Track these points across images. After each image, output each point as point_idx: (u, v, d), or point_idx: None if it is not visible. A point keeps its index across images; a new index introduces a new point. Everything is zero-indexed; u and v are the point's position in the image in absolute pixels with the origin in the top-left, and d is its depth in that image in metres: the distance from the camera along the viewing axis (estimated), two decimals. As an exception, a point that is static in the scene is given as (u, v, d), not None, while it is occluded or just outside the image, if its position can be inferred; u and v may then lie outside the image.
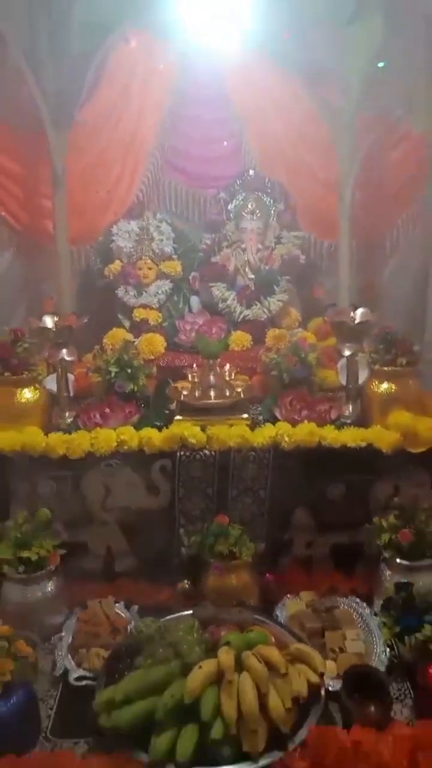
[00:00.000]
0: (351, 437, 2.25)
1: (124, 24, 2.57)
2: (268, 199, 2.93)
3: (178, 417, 2.34)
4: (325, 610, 2.26)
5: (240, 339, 2.79)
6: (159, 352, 2.73)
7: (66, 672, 2.05)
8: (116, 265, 2.86)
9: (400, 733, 1.74)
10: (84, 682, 2.00)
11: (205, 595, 2.25)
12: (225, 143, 2.93)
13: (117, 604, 2.30)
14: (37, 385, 2.37)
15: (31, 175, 2.86)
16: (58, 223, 2.75)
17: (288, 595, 2.34)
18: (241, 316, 2.85)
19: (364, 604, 2.30)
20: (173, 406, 2.45)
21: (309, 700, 1.80)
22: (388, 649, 2.08)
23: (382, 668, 1.99)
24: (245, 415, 2.36)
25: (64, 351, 2.44)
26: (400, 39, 2.65)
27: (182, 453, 2.27)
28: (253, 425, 2.32)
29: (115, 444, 2.24)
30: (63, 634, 2.20)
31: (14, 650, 1.80)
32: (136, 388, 2.45)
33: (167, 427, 2.28)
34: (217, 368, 2.46)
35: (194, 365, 2.56)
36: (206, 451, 2.27)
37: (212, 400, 2.36)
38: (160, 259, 2.89)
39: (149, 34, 2.69)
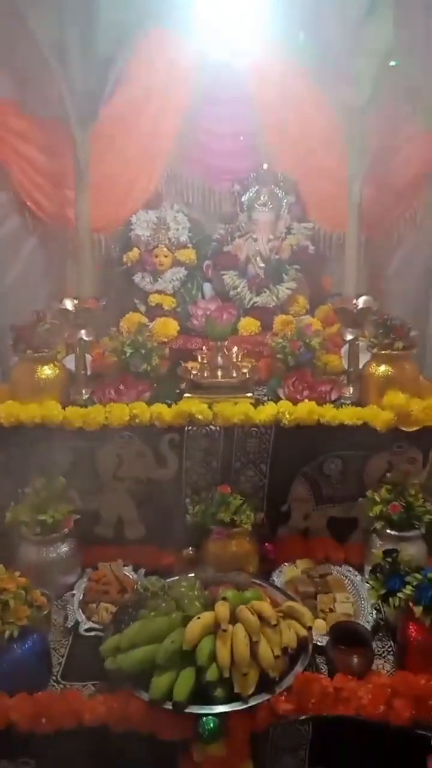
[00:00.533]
0: (348, 416, 2.40)
1: (148, 24, 2.71)
2: (280, 192, 3.06)
3: (187, 394, 2.50)
4: (318, 577, 2.43)
5: (249, 324, 2.93)
6: (172, 335, 2.89)
7: (77, 624, 2.24)
8: (134, 253, 3.02)
9: (378, 681, 1.90)
10: (93, 633, 2.20)
11: (207, 561, 2.42)
12: (241, 138, 3.06)
13: (125, 567, 2.49)
14: (56, 363, 2.54)
15: (56, 166, 3.01)
16: (81, 212, 2.89)
17: (285, 563, 2.51)
18: (251, 303, 2.99)
19: (356, 572, 2.47)
20: (183, 385, 2.62)
21: (297, 652, 1.97)
22: (375, 612, 2.25)
23: (369, 628, 2.16)
24: (249, 394, 2.51)
25: (83, 332, 2.61)
26: (411, 38, 2.75)
27: (190, 428, 2.43)
28: (257, 403, 2.48)
29: (128, 418, 2.41)
30: (75, 591, 2.39)
31: (30, 599, 1.98)
32: (149, 368, 2.61)
33: (177, 404, 2.45)
34: (225, 350, 2.62)
35: (203, 348, 2.71)
36: (212, 427, 2.43)
37: (219, 380, 2.52)
38: (175, 247, 3.04)
39: (171, 34, 2.83)
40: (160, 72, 2.91)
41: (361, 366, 2.60)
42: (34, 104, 2.94)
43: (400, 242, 3.17)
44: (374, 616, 2.23)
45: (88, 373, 2.68)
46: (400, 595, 2.01)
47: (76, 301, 2.64)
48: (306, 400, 2.45)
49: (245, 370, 2.56)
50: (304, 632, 2.00)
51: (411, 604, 1.97)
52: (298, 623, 2.02)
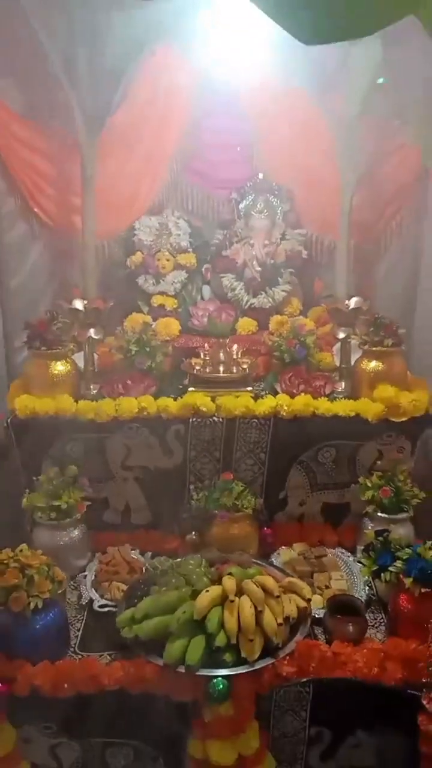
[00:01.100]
0: (341, 408, 2.58)
1: (153, 42, 2.88)
2: (276, 200, 3.22)
3: (191, 388, 2.67)
4: (314, 558, 2.61)
5: (247, 324, 3.11)
6: (174, 334, 3.05)
7: (91, 602, 2.39)
8: (138, 257, 3.19)
9: (372, 646, 2.08)
10: (106, 609, 2.35)
11: (210, 545, 2.58)
12: (238, 149, 3.23)
13: (132, 551, 2.65)
14: (68, 359, 2.70)
15: (63, 174, 3.18)
16: (87, 218, 3.06)
17: (282, 546, 2.68)
18: (248, 304, 3.16)
19: (348, 554, 2.65)
20: (186, 381, 2.78)
21: (297, 622, 2.14)
22: (367, 588, 2.42)
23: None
24: (249, 388, 2.69)
25: (92, 330, 2.78)
26: (399, 56, 2.94)
27: (194, 419, 2.59)
28: (256, 397, 2.65)
29: (137, 410, 2.58)
30: (86, 573, 2.54)
31: (52, 575, 2.14)
32: (153, 365, 2.77)
33: (182, 398, 2.62)
34: (227, 347, 2.80)
35: (206, 345, 2.88)
36: (215, 418, 2.60)
37: (221, 374, 2.70)
38: (177, 252, 3.20)
39: (174, 51, 3.00)
40: (164, 87, 3.07)
41: (352, 363, 2.79)
42: (43, 115, 3.10)
43: (387, 248, 3.34)
44: (366, 591, 2.41)
45: (96, 369, 2.84)
46: (391, 569, 2.19)
47: (85, 302, 2.80)
48: (302, 394, 2.64)
49: (245, 366, 2.74)
50: (303, 604, 2.17)
51: (401, 576, 2.15)
52: (298, 596, 2.20)
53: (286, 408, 2.56)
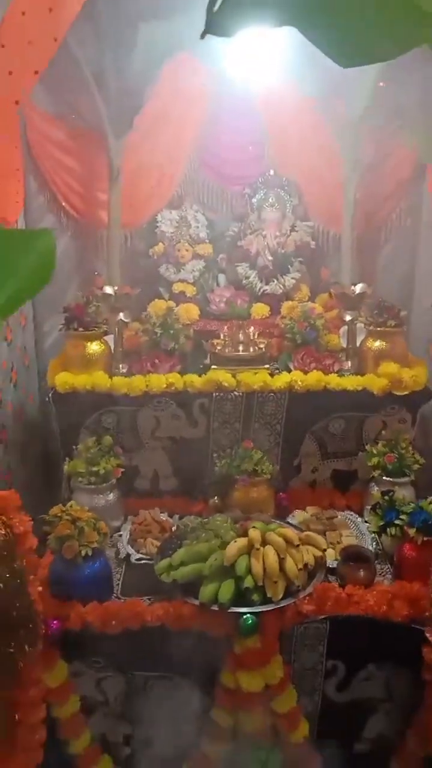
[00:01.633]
0: (350, 383, 2.86)
1: (175, 50, 3.13)
2: (285, 194, 3.47)
3: (213, 366, 2.94)
4: (326, 519, 2.89)
5: (260, 309, 3.37)
6: (194, 318, 3.30)
7: (128, 556, 2.66)
8: (159, 247, 3.45)
9: (381, 588, 2.36)
10: (143, 562, 2.62)
11: (232, 507, 2.86)
12: (251, 148, 3.49)
13: (162, 514, 2.93)
14: (102, 340, 2.96)
15: (90, 171, 3.44)
16: (113, 211, 3.33)
17: (296, 509, 2.96)
18: (261, 291, 3.42)
19: (356, 515, 2.92)
20: (206, 360, 3.05)
21: (315, 569, 2.42)
22: (374, 543, 2.71)
23: (370, 553, 2.63)
24: (266, 366, 2.96)
25: (122, 314, 3.04)
26: (397, 63, 3.20)
27: (217, 394, 2.86)
28: (272, 374, 2.93)
29: (165, 386, 2.84)
30: (121, 533, 2.81)
31: (98, 528, 2.41)
32: (176, 346, 3.03)
33: (206, 374, 2.89)
34: (245, 329, 3.07)
35: (225, 328, 3.15)
36: (235, 393, 2.86)
37: (240, 353, 2.97)
38: (195, 242, 3.45)
39: (194, 59, 3.25)
40: (184, 90, 3.32)
41: (358, 343, 3.06)
42: (72, 116, 3.36)
43: (387, 239, 3.63)
44: (373, 546, 2.70)
45: (123, 350, 3.10)
46: (397, 522, 2.48)
47: (115, 288, 3.07)
48: (314, 371, 2.92)
49: (262, 346, 3.02)
50: (319, 553, 2.45)
51: (405, 528, 2.44)
52: (314, 547, 2.48)
53: (299, 383, 2.84)
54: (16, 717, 2.16)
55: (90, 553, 2.32)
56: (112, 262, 3.40)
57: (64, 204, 3.49)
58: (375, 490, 2.82)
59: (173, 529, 2.76)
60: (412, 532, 2.39)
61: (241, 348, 2.99)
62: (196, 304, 3.38)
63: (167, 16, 2.92)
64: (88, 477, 2.77)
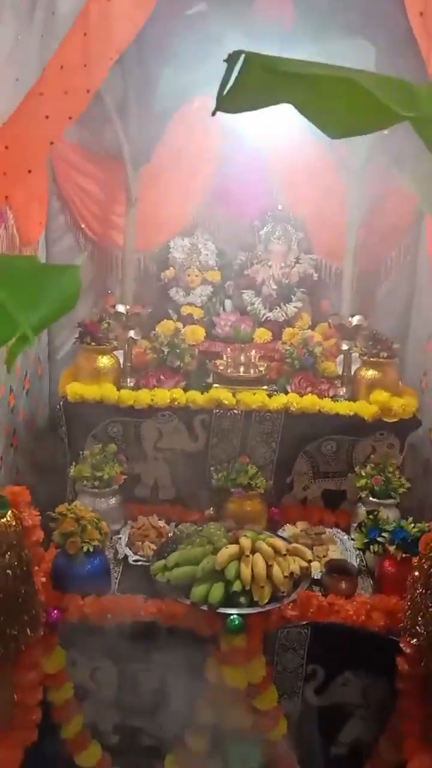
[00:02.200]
0: (342, 408, 3.04)
1: (192, 92, 3.37)
2: (292, 228, 3.67)
3: (215, 385, 3.13)
4: (314, 534, 3.05)
5: (262, 334, 3.56)
6: (200, 339, 3.48)
7: (126, 557, 2.83)
8: (171, 272, 3.67)
9: (361, 599, 2.53)
10: (140, 563, 2.79)
11: (226, 518, 3.03)
12: (260, 185, 3.72)
13: (159, 521, 3.10)
14: (112, 355, 3.16)
15: (109, 197, 3.67)
16: (128, 236, 3.56)
17: (287, 524, 3.13)
18: (264, 317, 3.61)
19: (343, 533, 3.09)
20: (209, 378, 3.23)
21: (300, 578, 2.58)
22: (358, 559, 2.88)
23: (353, 568, 2.80)
24: (265, 387, 3.15)
25: (132, 332, 3.25)
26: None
27: (217, 411, 3.04)
28: (270, 395, 3.11)
29: (169, 400, 3.03)
30: (120, 536, 2.98)
31: (100, 527, 2.59)
32: (182, 364, 3.22)
33: (208, 392, 3.08)
34: (246, 352, 3.27)
35: (228, 350, 3.34)
36: (235, 411, 3.04)
37: (241, 374, 3.15)
38: (204, 269, 3.66)
39: (210, 101, 3.49)
40: (199, 129, 3.54)
41: (352, 371, 3.26)
42: (96, 146, 3.61)
43: (386, 275, 3.84)
44: (357, 562, 2.86)
45: (132, 366, 3.30)
46: (379, 539, 2.65)
47: (128, 307, 3.28)
48: (309, 394, 3.11)
49: (261, 369, 3.21)
50: (305, 564, 2.61)
51: (387, 545, 2.61)
52: (301, 558, 2.65)
53: (295, 405, 3.03)
54: (15, 697, 2.32)
55: (91, 550, 2.49)
56: (125, 283, 3.62)
57: (83, 226, 3.72)
58: (362, 510, 2.99)
59: (170, 534, 2.93)
60: (392, 549, 2.56)
61: (242, 369, 3.18)
62: (203, 327, 3.58)
63: (187, 64, 3.14)
64: (92, 481, 2.95)
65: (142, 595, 2.57)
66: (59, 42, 2.39)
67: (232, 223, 3.82)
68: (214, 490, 3.09)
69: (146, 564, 2.71)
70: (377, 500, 2.97)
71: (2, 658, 2.18)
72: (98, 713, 2.60)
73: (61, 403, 3.05)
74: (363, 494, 3.01)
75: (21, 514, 2.25)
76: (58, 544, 2.51)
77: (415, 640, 2.21)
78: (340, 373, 3.31)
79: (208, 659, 2.46)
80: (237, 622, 2.37)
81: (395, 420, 3.06)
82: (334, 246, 3.67)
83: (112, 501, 3.02)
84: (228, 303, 3.76)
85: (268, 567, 2.49)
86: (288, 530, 3.08)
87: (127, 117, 3.42)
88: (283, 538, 2.89)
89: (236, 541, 2.60)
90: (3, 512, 2.16)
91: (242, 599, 2.43)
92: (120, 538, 2.96)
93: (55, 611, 2.41)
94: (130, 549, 2.87)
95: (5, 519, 2.15)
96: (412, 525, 2.59)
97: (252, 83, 1.16)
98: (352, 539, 2.99)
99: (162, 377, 3.17)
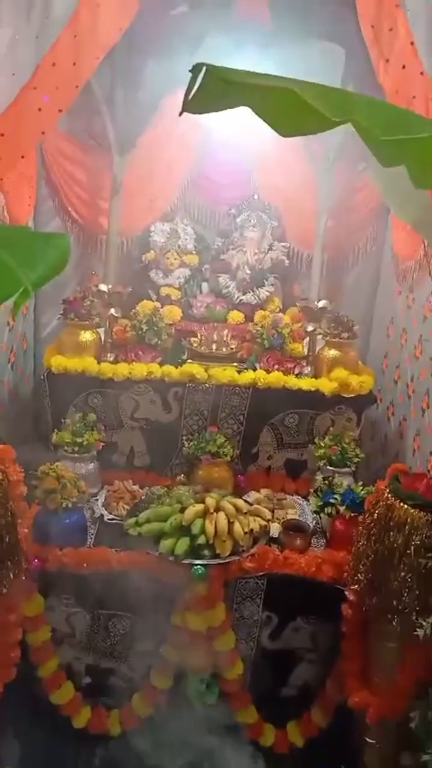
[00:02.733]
0: (305, 383, 3.30)
1: (176, 84, 3.57)
2: (266, 217, 3.90)
3: (189, 360, 3.38)
4: (276, 500, 3.32)
5: (236, 316, 3.80)
6: (177, 319, 3.72)
7: (101, 516, 3.08)
8: (151, 254, 3.90)
9: (312, 554, 2.81)
10: (114, 521, 3.04)
11: (195, 484, 3.28)
12: (237, 174, 3.96)
13: (134, 486, 3.35)
14: (94, 330, 3.39)
15: (95, 183, 3.89)
16: (112, 220, 3.80)
17: (252, 491, 3.39)
18: (238, 300, 3.84)
19: (303, 499, 3.36)
20: (184, 355, 3.48)
21: (258, 535, 2.85)
22: (314, 522, 3.15)
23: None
24: (235, 364, 3.40)
25: (113, 309, 3.48)
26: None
27: (190, 384, 3.28)
28: (240, 371, 3.37)
29: (146, 374, 3.27)
30: (98, 498, 3.24)
31: (79, 486, 2.84)
32: (159, 341, 3.46)
33: (182, 367, 3.32)
34: (219, 331, 3.52)
35: (202, 329, 3.59)
36: (206, 385, 3.28)
37: (213, 351, 3.41)
38: (183, 253, 3.88)
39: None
40: (181, 121, 3.73)
41: (316, 351, 3.51)
42: (83, 134, 3.82)
43: (354, 263, 4.09)
44: (313, 524, 3.13)
45: (112, 341, 3.54)
46: (331, 500, 2.93)
47: (110, 286, 3.51)
48: (276, 372, 3.36)
49: (233, 347, 3.46)
50: (264, 523, 2.88)
51: (338, 506, 2.88)
52: (260, 518, 2.92)
53: (262, 380, 3.28)
54: (-4, 637, 2.57)
55: (70, 506, 2.75)
56: (108, 264, 3.86)
57: (69, 209, 3.94)
58: (320, 478, 3.25)
59: (143, 495, 3.18)
60: (342, 508, 2.84)
61: (214, 347, 3.43)
62: (180, 307, 3.81)
63: (171, 56, 3.38)
64: (72, 447, 3.19)
65: (116, 549, 2.82)
66: (52, 42, 2.61)
67: (210, 210, 4.08)
68: (185, 458, 3.34)
69: (120, 522, 2.96)
70: (334, 469, 3.23)
71: (-14, 599, 2.43)
72: (72, 655, 2.86)
73: (46, 374, 3.29)
74: (321, 463, 3.27)
75: (6, 470, 2.50)
76: (40, 500, 2.76)
77: (356, 586, 2.48)
78: (306, 353, 3.57)
79: (174, 606, 2.72)
80: (200, 571, 2.63)
81: (353, 395, 3.32)
82: (306, 234, 3.93)
83: (90, 466, 3.26)
84: (204, 285, 4.00)
85: (230, 524, 2.75)
86: (252, 496, 3.34)
87: (113, 106, 3.65)
88: (248, 502, 3.16)
89: (202, 501, 2.86)
90: (-11, 467, 2.40)
91: (206, 552, 2.69)
92: (97, 499, 3.21)
93: (36, 560, 2.67)
94: (105, 509, 3.12)
95: (-9, 473, 2.40)
96: (362, 488, 2.87)
97: (213, 90, 1.40)
98: (310, 504, 3.26)
99: (140, 353, 3.41)
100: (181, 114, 1.39)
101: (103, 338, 3.46)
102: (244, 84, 1.45)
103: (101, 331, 3.49)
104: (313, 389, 3.30)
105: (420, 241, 3.13)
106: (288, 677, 2.92)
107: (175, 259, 3.89)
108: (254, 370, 3.41)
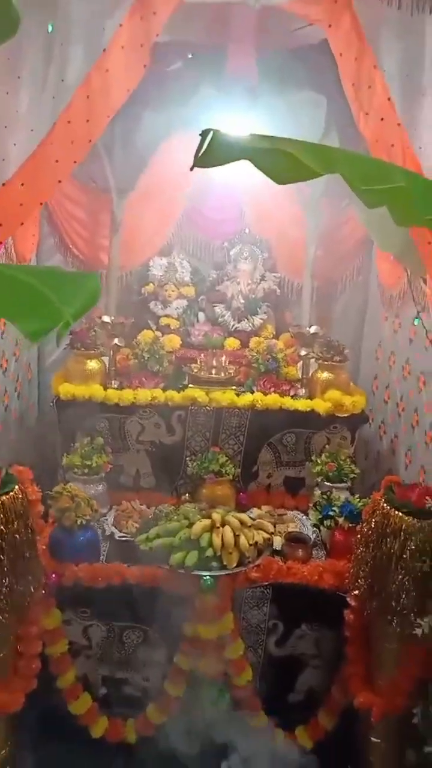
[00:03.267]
0: (301, 404, 3.50)
1: (172, 129, 3.82)
2: (257, 249, 4.16)
3: (190, 385, 3.57)
4: (277, 516, 3.50)
5: (232, 343, 4.01)
6: (176, 347, 3.92)
7: (112, 534, 3.23)
8: (150, 287, 4.12)
9: (314, 564, 2.97)
10: (124, 539, 3.20)
11: (200, 502, 3.44)
12: (230, 211, 4.21)
13: (141, 505, 3.51)
14: (99, 359, 3.59)
15: (95, 221, 4.11)
16: (112, 255, 4.02)
17: (253, 507, 3.56)
18: (234, 328, 4.06)
19: (302, 515, 3.53)
20: (185, 381, 3.67)
21: (263, 547, 3.01)
22: (313, 535, 3.32)
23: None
24: (234, 387, 3.59)
25: (116, 339, 3.68)
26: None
27: (192, 407, 3.47)
28: (239, 394, 3.56)
29: (150, 399, 3.46)
30: (107, 517, 3.39)
31: (92, 505, 3.00)
32: (160, 368, 3.65)
33: (184, 391, 3.51)
34: (218, 357, 3.72)
35: (201, 355, 3.79)
36: (207, 408, 3.47)
37: (213, 376, 3.60)
38: (180, 285, 4.12)
39: (188, 138, 3.94)
40: (177, 162, 3.99)
41: (310, 373, 3.72)
42: (84, 176, 4.04)
43: (342, 291, 4.33)
44: (313, 537, 3.30)
45: (116, 369, 3.73)
46: (330, 513, 3.10)
47: (112, 318, 3.71)
48: (272, 394, 3.56)
49: (231, 371, 3.66)
50: (267, 536, 3.05)
51: (337, 517, 3.06)
52: (264, 531, 3.09)
53: (260, 402, 3.48)
54: (18, 649, 2.70)
55: (84, 524, 2.90)
56: (109, 297, 4.06)
57: (70, 246, 4.15)
58: (318, 493, 3.44)
59: (152, 514, 3.34)
60: (341, 520, 3.02)
61: (213, 372, 3.63)
62: (179, 336, 4.02)
63: (167, 105, 3.63)
64: (82, 469, 3.35)
65: (127, 564, 2.97)
66: (66, 102, 2.89)
67: (205, 244, 4.32)
68: (189, 477, 3.51)
69: (130, 539, 3.10)
70: (331, 484, 3.41)
71: (10, 612, 2.57)
72: (89, 667, 2.99)
73: (55, 401, 3.47)
74: (319, 479, 3.46)
75: (26, 489, 2.66)
76: (56, 518, 2.91)
77: (357, 591, 2.65)
78: (300, 376, 3.77)
79: (185, 617, 2.86)
80: (209, 582, 2.79)
81: (346, 415, 3.52)
82: (295, 265, 4.17)
83: (99, 487, 3.42)
84: (201, 315, 4.21)
85: (236, 536, 2.91)
86: (254, 512, 3.50)
87: (113, 150, 3.88)
88: (250, 517, 3.33)
89: (209, 517, 3.03)
90: (12, 486, 2.56)
91: (214, 563, 2.84)
92: (107, 519, 3.37)
93: (54, 575, 2.81)
94: (115, 528, 3.28)
95: (13, 492, 2.55)
96: (358, 500, 3.05)
97: (218, 149, 1.62)
98: (310, 518, 3.43)
99: (143, 379, 3.60)
100: (192, 169, 1.61)
101: (107, 366, 3.64)
102: (245, 145, 1.67)
103: (105, 359, 3.68)
104: (308, 410, 3.50)
105: (403, 271, 3.36)
106: (294, 683, 3.06)
107: (173, 291, 4.11)
108: (252, 392, 3.60)
